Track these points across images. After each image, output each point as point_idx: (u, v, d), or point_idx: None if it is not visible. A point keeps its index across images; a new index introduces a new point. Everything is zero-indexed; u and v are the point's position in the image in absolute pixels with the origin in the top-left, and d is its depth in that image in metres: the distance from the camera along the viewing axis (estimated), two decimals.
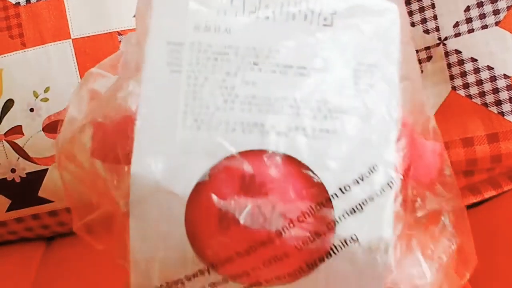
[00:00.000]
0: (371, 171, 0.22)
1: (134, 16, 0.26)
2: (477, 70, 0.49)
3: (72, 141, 0.28)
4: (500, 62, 0.48)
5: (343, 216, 0.22)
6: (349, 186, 0.22)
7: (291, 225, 0.22)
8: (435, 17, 0.49)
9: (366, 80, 0.23)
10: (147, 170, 0.22)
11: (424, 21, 0.50)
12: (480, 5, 0.48)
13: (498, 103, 0.48)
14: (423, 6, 0.50)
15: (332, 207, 0.22)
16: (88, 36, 0.53)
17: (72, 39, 0.53)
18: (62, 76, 0.52)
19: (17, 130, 0.53)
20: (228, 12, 0.23)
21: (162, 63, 0.23)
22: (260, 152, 0.22)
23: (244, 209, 0.22)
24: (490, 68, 0.48)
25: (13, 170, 0.54)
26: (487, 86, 0.48)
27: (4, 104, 0.53)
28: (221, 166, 0.22)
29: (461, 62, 0.49)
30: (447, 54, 0.49)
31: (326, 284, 0.22)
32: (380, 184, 0.22)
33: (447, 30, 0.49)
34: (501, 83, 0.48)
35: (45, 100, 0.53)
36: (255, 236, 0.22)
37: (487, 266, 0.44)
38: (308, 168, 0.22)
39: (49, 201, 0.56)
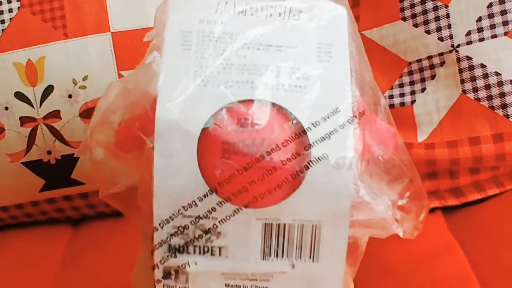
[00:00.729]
0: (335, 112, 0.29)
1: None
2: (485, 76, 0.50)
3: (105, 116, 0.32)
4: (508, 69, 0.50)
5: (315, 142, 0.29)
6: (319, 122, 0.29)
7: (278, 148, 0.28)
8: (449, 26, 0.51)
9: (326, 54, 0.31)
10: (168, 112, 0.29)
11: (439, 29, 0.52)
12: (491, 16, 0.50)
13: (504, 106, 0.50)
14: (439, 16, 0.51)
15: (307, 136, 0.29)
16: (127, 31, 0.55)
17: (111, 33, 0.55)
18: (100, 66, 0.54)
19: (55, 114, 0.55)
20: (223, 12, 0.31)
21: (177, 43, 0.30)
22: (252, 101, 0.29)
23: (242, 141, 0.28)
24: (498, 74, 0.50)
25: (49, 152, 0.56)
26: (495, 91, 0.50)
27: (45, 89, 0.55)
28: (224, 110, 0.29)
29: (471, 68, 0.51)
30: (459, 60, 0.51)
31: (308, 199, 0.29)
32: (342, 121, 0.29)
33: (459, 38, 0.51)
34: (508, 88, 0.50)
35: (83, 87, 0.55)
36: (251, 157, 0.28)
37: (490, 260, 0.46)
38: (287, 111, 0.29)
39: (81, 183, 0.58)
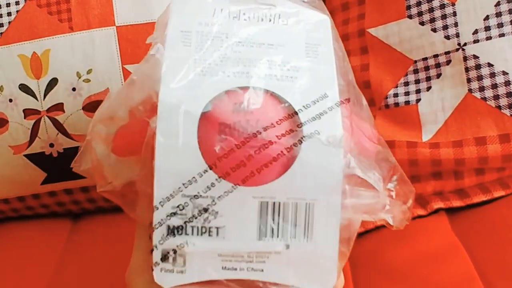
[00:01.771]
0: (323, 97, 0.32)
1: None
2: (492, 75, 0.50)
3: (108, 111, 0.34)
4: None
5: (307, 121, 0.31)
6: (309, 105, 0.31)
7: (272, 125, 0.31)
8: (455, 24, 0.51)
9: (313, 52, 0.34)
10: (170, 95, 0.31)
11: (445, 27, 0.51)
12: (498, 15, 0.50)
13: (511, 106, 0.50)
14: (445, 14, 0.51)
15: (298, 117, 0.31)
16: (132, 25, 0.55)
17: (116, 27, 0.55)
18: (104, 60, 0.55)
19: (58, 107, 0.56)
20: (220, 16, 0.34)
21: (178, 41, 0.33)
22: (247, 87, 0.31)
23: (238, 121, 0.30)
24: (505, 73, 0.50)
25: (51, 145, 0.57)
26: (501, 90, 0.50)
27: (49, 82, 0.55)
28: (222, 95, 0.31)
29: (478, 67, 0.50)
30: (465, 58, 0.51)
31: (301, 177, 0.30)
32: (330, 104, 0.32)
33: (466, 36, 0.51)
34: None
35: (87, 81, 0.55)
36: (248, 134, 0.30)
37: (495, 263, 0.46)
38: (280, 96, 0.32)
39: (82, 177, 0.57)
